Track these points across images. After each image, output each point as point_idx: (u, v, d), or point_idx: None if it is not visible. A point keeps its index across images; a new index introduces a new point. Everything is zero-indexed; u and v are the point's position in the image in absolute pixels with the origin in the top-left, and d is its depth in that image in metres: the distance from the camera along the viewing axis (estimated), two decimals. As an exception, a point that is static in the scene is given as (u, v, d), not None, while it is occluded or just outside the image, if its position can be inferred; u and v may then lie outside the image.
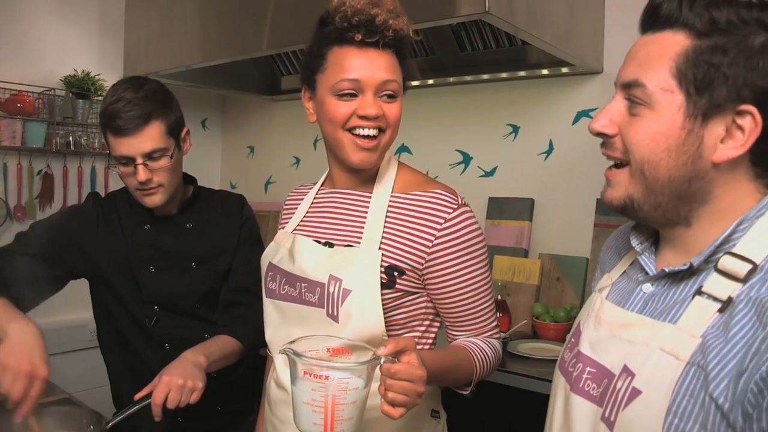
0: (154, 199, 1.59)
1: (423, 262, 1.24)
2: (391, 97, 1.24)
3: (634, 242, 0.96)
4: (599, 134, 0.88)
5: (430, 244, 1.22)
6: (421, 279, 1.26)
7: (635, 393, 0.81)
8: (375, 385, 1.03)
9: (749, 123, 0.78)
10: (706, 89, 0.79)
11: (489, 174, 2.86)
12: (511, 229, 2.73)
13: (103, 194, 1.80)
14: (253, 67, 3.42)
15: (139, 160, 1.53)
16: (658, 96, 0.81)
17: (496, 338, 1.35)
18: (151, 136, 1.54)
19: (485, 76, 2.78)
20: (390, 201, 1.28)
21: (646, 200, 0.85)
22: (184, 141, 1.67)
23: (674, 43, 0.81)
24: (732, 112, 0.78)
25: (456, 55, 2.76)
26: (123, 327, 1.67)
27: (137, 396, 1.35)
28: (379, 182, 1.31)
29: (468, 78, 2.83)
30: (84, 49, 3.19)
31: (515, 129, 2.78)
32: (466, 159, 2.93)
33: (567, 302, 2.50)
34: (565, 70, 2.56)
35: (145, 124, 1.53)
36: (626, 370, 0.84)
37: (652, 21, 0.85)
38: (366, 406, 1.04)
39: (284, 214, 1.48)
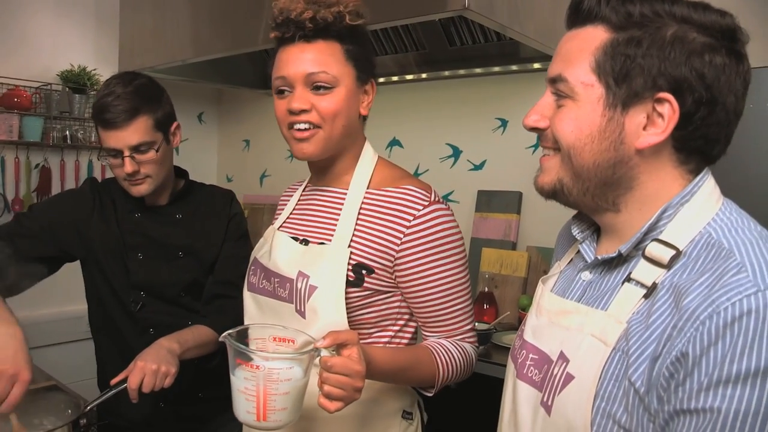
0: (141, 189, 1.64)
1: (392, 259, 1.22)
2: (325, 88, 1.22)
3: (575, 231, 0.99)
4: (533, 129, 0.92)
5: (398, 242, 1.21)
6: (393, 277, 1.25)
7: (569, 378, 0.84)
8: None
9: (668, 110, 0.81)
10: (624, 80, 0.82)
11: (478, 167, 2.89)
12: (499, 221, 2.76)
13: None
14: (248, 62, 3.45)
15: (126, 153, 1.58)
16: (579, 89, 0.85)
17: (469, 342, 1.31)
18: (137, 130, 1.58)
19: (477, 70, 2.80)
20: (364, 197, 1.27)
21: (575, 185, 0.89)
22: (174, 135, 1.71)
23: (594, 37, 0.85)
24: (651, 100, 0.82)
25: (445, 49, 2.79)
26: (111, 309, 1.73)
27: (113, 381, 1.40)
28: (355, 178, 1.30)
29: (459, 72, 2.86)
30: (80, 45, 3.23)
31: (504, 123, 2.81)
32: (456, 152, 2.96)
33: (553, 294, 2.53)
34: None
35: (132, 118, 1.57)
36: (562, 356, 0.87)
37: (575, 17, 0.89)
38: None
39: (278, 210, 1.50)
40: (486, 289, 2.62)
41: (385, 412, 1.31)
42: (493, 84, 2.84)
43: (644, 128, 0.83)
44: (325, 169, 1.33)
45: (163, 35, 2.91)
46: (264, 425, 1.01)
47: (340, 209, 1.29)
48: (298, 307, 1.24)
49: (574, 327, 0.88)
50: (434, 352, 1.25)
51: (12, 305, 1.47)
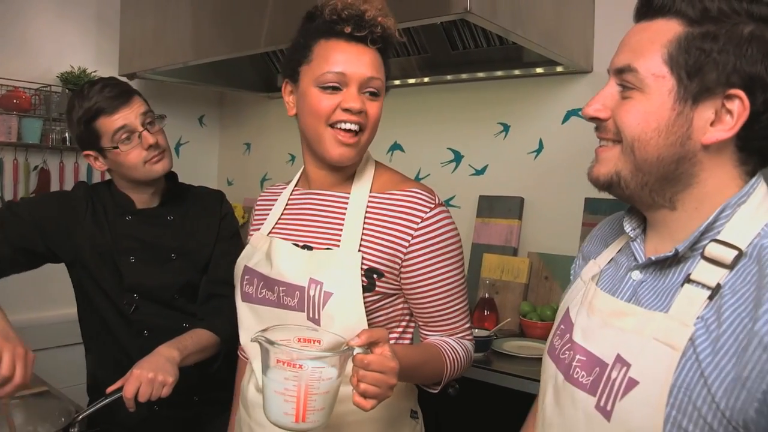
0: (165, 164, 1.69)
1: (400, 262, 1.23)
2: (374, 95, 1.23)
3: (627, 228, 0.96)
4: (592, 119, 0.91)
5: (406, 245, 1.22)
6: (399, 280, 1.25)
7: (632, 383, 0.82)
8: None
9: (738, 107, 0.81)
10: (697, 74, 0.82)
11: (480, 172, 2.87)
12: (501, 227, 2.74)
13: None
14: (249, 65, 3.44)
15: (140, 125, 1.64)
16: (649, 81, 0.84)
17: (468, 339, 1.34)
18: (140, 103, 1.67)
19: (480, 74, 2.78)
20: (368, 201, 1.26)
21: (633, 178, 0.87)
22: None
23: (667, 30, 0.84)
24: (721, 96, 0.82)
25: (448, 53, 2.77)
26: (103, 313, 1.71)
27: (109, 389, 1.38)
28: (357, 183, 1.29)
29: (461, 76, 2.84)
30: (80, 46, 3.21)
31: (506, 128, 2.79)
32: (458, 157, 2.94)
33: (555, 301, 2.51)
34: (559, 69, 2.56)
35: (131, 96, 1.66)
36: (620, 360, 0.85)
37: (646, 9, 0.88)
38: (340, 402, 1.03)
39: (257, 215, 1.46)
40: (487, 295, 2.59)
41: (398, 413, 1.31)
42: (495, 88, 2.82)
43: (711, 124, 0.82)
44: (333, 173, 1.31)
45: (164, 37, 2.89)
46: (302, 426, 0.98)
47: (344, 213, 1.28)
48: (311, 315, 1.21)
49: (630, 329, 0.86)
50: (442, 349, 1.27)
51: (5, 309, 1.46)
